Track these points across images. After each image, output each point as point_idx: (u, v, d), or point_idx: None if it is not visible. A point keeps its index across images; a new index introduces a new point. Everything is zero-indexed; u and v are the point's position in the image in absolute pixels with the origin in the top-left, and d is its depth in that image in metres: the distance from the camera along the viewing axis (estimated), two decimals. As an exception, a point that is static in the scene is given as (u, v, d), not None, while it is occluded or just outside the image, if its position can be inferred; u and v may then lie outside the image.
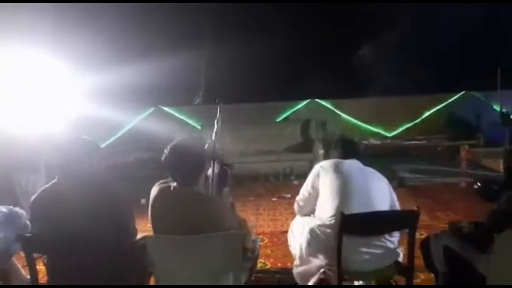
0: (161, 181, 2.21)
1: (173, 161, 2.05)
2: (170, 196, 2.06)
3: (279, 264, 3.29)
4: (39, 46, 4.54)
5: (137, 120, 7.13)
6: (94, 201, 2.07)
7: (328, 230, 2.25)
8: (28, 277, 2.63)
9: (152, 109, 7.17)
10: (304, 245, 2.35)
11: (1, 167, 3.70)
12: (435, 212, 4.24)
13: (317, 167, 2.54)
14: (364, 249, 2.20)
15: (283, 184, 5.65)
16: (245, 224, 2.39)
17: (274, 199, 5.02)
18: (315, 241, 2.29)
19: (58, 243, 2.08)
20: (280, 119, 7.13)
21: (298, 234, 2.55)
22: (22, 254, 2.30)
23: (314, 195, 2.51)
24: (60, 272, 2.12)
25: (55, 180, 2.16)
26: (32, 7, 5.13)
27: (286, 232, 2.97)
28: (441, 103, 7.02)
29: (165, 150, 2.09)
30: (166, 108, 7.20)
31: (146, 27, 6.43)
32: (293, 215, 4.35)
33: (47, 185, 2.16)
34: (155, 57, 5.86)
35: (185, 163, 2.05)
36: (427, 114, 7.03)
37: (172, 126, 7.05)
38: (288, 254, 3.05)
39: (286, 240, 2.86)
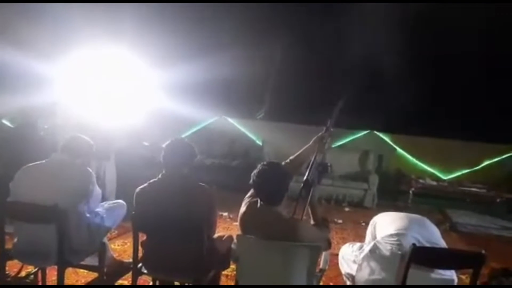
0: (247, 195, 2.43)
1: (261, 183, 2.23)
2: (257, 213, 2.25)
3: (331, 283, 3.45)
4: (119, 44, 4.91)
5: (201, 126, 7.51)
6: (189, 198, 2.39)
7: (388, 247, 2.36)
8: (112, 253, 2.98)
9: (216, 118, 7.49)
10: (366, 254, 2.46)
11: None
12: (489, 262, 4.20)
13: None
14: (425, 276, 2.30)
15: (335, 209, 5.79)
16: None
17: (327, 222, 5.14)
18: (377, 252, 2.41)
19: (156, 226, 2.40)
20: (335, 145, 7.25)
21: (348, 259, 2.72)
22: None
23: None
24: (154, 250, 2.44)
25: (160, 176, 2.46)
26: (113, 8, 5.65)
27: (337, 255, 3.10)
28: (505, 153, 6.87)
29: (256, 169, 2.25)
30: (229, 119, 7.52)
31: (223, 32, 6.45)
32: (343, 240, 4.51)
33: (154, 179, 2.47)
34: (226, 65, 5.96)
35: (271, 188, 2.24)
36: (487, 162, 6.92)
37: (233, 137, 7.48)
38: (339, 275, 3.19)
39: (337, 262, 2.96)
